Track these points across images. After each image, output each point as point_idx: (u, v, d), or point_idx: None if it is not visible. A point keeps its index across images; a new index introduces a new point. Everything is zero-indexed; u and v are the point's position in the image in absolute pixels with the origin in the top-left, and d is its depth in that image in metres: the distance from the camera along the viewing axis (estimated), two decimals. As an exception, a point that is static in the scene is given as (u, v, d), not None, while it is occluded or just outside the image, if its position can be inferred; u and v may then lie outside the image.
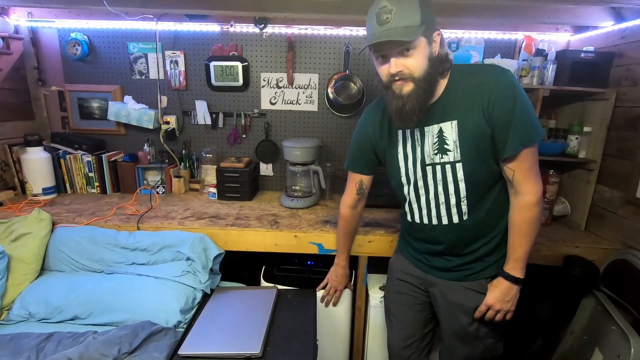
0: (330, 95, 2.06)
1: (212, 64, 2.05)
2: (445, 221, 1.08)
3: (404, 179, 1.12)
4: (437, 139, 1.02)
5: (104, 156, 2.07)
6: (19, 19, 2.01)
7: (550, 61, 1.70)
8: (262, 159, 2.20)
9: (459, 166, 1.01)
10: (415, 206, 1.12)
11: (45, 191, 1.97)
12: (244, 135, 2.19)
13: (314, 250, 1.62)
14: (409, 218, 1.16)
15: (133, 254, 1.53)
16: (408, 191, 1.12)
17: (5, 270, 1.41)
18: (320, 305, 1.60)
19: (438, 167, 1.03)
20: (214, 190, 2.04)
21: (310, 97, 2.12)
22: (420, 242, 1.19)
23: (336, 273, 1.54)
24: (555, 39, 2.00)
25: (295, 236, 1.60)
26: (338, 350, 1.73)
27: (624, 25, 1.62)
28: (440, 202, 1.07)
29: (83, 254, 1.53)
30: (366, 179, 1.28)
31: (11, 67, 1.96)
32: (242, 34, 2.04)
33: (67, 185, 2.10)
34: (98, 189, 2.11)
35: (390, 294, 1.34)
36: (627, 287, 1.42)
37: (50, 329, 1.29)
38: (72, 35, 2.04)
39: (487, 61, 1.84)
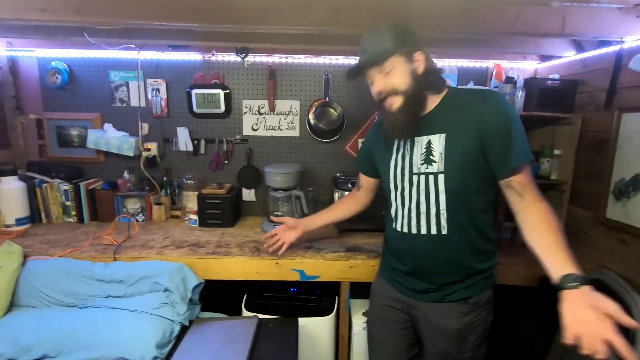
0: (312, 121, 2.10)
1: (194, 91, 2.07)
2: (424, 231, 1.09)
3: (392, 185, 1.16)
4: (425, 150, 1.06)
5: (81, 184, 2.04)
6: (-1, 49, 2.01)
7: (519, 88, 1.78)
8: (245, 184, 2.20)
9: (441, 177, 1.04)
10: (400, 213, 1.15)
11: (19, 221, 1.91)
12: (226, 161, 2.19)
13: (295, 277, 1.60)
14: (393, 225, 1.18)
15: (109, 287, 1.48)
16: (395, 197, 1.16)
17: (-30, 307, 1.34)
18: (303, 335, 1.57)
19: (422, 177, 1.07)
20: (195, 217, 2.02)
21: (292, 123, 2.15)
22: (398, 259, 1.19)
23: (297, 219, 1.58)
24: (524, 67, 2.10)
25: (277, 263, 1.59)
26: (322, 381, 1.69)
27: (584, 55, 1.73)
28: (422, 212, 1.09)
29: (56, 287, 1.47)
30: (364, 180, 1.41)
31: (-12, 96, 1.94)
32: (224, 63, 2.08)
33: (43, 214, 2.04)
34: (75, 218, 2.05)
35: (373, 319, 1.33)
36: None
37: (16, 372, 1.22)
38: (53, 64, 2.04)
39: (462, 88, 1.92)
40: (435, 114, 1.06)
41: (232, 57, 2.05)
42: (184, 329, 1.44)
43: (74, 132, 2.14)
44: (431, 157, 1.05)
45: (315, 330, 1.63)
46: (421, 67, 1.04)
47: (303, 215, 2.02)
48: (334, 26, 1.43)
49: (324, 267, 1.59)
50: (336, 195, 1.96)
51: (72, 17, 1.36)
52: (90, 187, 2.06)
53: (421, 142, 1.07)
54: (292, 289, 1.81)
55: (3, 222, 1.88)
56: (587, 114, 1.70)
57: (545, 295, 1.62)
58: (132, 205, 2.09)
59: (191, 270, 1.55)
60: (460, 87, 1.12)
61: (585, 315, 0.76)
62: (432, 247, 1.10)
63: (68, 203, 2.04)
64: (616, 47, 1.50)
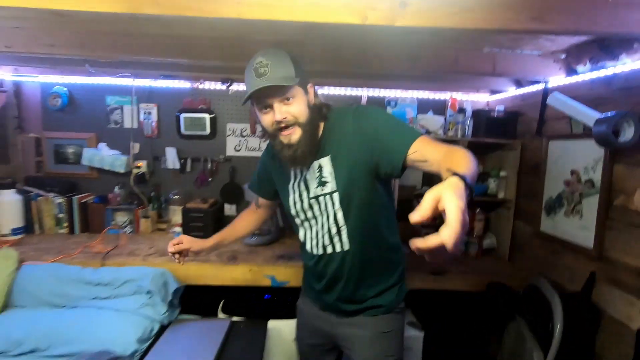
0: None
1: (183, 115, 2.30)
2: (330, 250, 1.14)
3: (293, 211, 1.19)
4: (317, 174, 1.09)
5: (74, 198, 2.20)
6: (5, 74, 2.22)
7: (468, 117, 2.04)
8: (227, 200, 2.39)
9: (335, 195, 1.08)
10: (307, 236, 1.19)
11: (15, 231, 2.06)
12: (210, 179, 2.39)
13: (267, 282, 1.77)
14: (305, 247, 1.21)
15: (96, 289, 1.63)
16: (300, 222, 1.19)
17: (-32, 306, 1.49)
18: (274, 337, 1.73)
19: (321, 199, 1.10)
20: (179, 229, 2.19)
21: (271, 144, 2.37)
22: (315, 278, 1.23)
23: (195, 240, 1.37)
24: (478, 99, 2.38)
25: (250, 270, 1.76)
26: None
27: (522, 90, 2.00)
28: (325, 232, 1.13)
29: (47, 289, 1.62)
30: (262, 200, 1.40)
31: (-7, 116, 2.14)
32: (211, 90, 2.32)
33: (36, 225, 2.20)
34: (67, 229, 2.21)
35: (302, 337, 1.37)
36: (537, 310, 1.65)
37: (9, 362, 1.36)
38: (54, 88, 2.26)
39: (420, 116, 2.18)
40: (321, 140, 1.09)
41: (218, 86, 2.29)
42: (162, 328, 1.59)
43: (70, 150, 2.33)
44: (323, 179, 1.09)
45: (286, 331, 1.78)
46: (312, 98, 1.07)
47: (279, 228, 2.21)
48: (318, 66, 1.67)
49: (293, 274, 1.77)
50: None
51: (76, 52, 1.58)
52: (82, 201, 2.23)
53: (313, 167, 1.10)
54: (266, 296, 1.98)
55: (0, 231, 2.03)
56: (525, 140, 1.96)
57: (489, 300, 1.82)
58: (121, 217, 2.26)
59: (172, 275, 1.71)
60: (336, 108, 1.13)
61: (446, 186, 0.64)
62: (341, 264, 1.14)
63: (61, 215, 2.20)
64: (542, 85, 1.77)
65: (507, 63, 1.64)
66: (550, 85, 1.75)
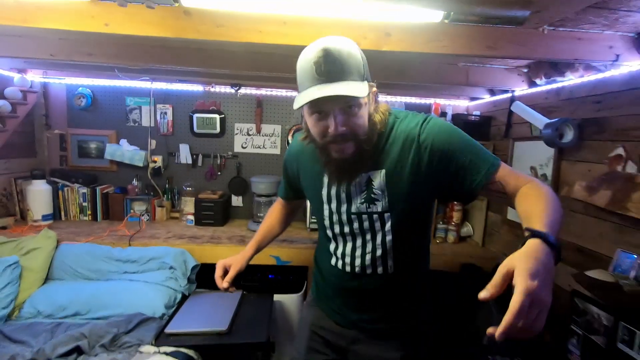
0: (290, 142, 2.60)
1: (195, 115, 2.56)
2: (369, 271, 1.00)
3: (327, 222, 1.04)
4: (365, 187, 0.94)
5: (97, 188, 2.46)
6: (35, 76, 2.46)
7: (448, 120, 2.34)
8: (234, 192, 2.66)
9: (387, 216, 0.94)
10: (340, 251, 1.04)
11: (44, 217, 2.31)
12: (219, 173, 2.65)
13: (273, 262, 2.04)
14: (332, 261, 1.06)
15: (125, 265, 1.90)
16: (333, 235, 1.04)
17: (18, 277, 1.74)
18: (278, 309, 2.00)
19: (365, 216, 0.96)
20: (191, 217, 2.45)
21: (274, 143, 2.65)
22: (339, 295, 1.08)
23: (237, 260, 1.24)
24: (459, 104, 2.68)
25: (258, 250, 2.03)
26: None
27: (495, 98, 2.31)
28: (367, 252, 0.98)
29: (83, 265, 1.88)
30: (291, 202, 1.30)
31: (25, 114, 2.37)
32: (221, 93, 2.59)
33: (62, 213, 2.44)
34: (90, 216, 2.46)
35: (302, 351, 1.15)
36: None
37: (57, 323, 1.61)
38: (79, 89, 2.50)
39: (407, 119, 2.47)
40: (373, 149, 0.92)
41: (228, 89, 2.56)
42: (184, 298, 1.85)
43: (93, 145, 2.58)
44: (373, 195, 0.94)
45: (288, 304, 2.06)
46: (374, 106, 0.90)
47: (281, 217, 2.48)
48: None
49: (295, 254, 2.05)
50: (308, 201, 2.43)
51: (112, 60, 1.84)
52: (104, 191, 2.48)
53: (360, 180, 0.94)
54: (270, 276, 2.25)
55: (32, 217, 2.28)
56: (496, 141, 2.26)
57: (462, 279, 2.11)
58: (139, 207, 2.51)
59: (190, 254, 1.98)
60: (394, 110, 0.98)
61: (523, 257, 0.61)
62: (380, 287, 1.01)
63: (85, 204, 2.45)
64: (509, 94, 2.07)
65: (478, 75, 1.94)
66: (516, 94, 2.05)
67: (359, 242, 0.99)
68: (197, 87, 2.57)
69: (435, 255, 2.11)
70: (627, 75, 1.37)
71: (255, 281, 2.13)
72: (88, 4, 1.22)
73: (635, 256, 1.27)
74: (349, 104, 0.82)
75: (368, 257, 0.99)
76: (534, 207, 0.75)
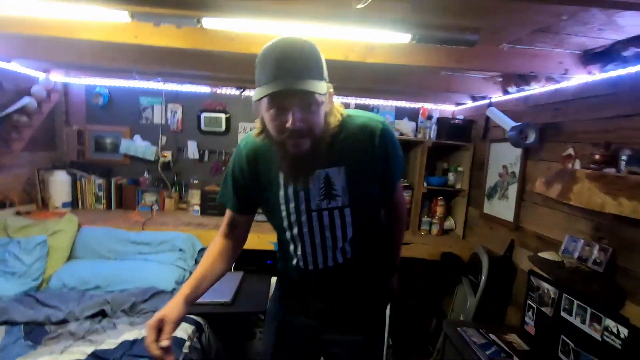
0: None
1: (203, 114, 2.79)
2: (330, 263, 1.02)
3: (285, 223, 1.01)
4: (323, 184, 0.95)
5: (112, 180, 2.68)
6: (57, 76, 2.69)
7: (433, 123, 2.57)
8: (237, 186, 2.88)
9: (347, 211, 0.97)
10: (299, 251, 1.03)
11: (64, 205, 2.53)
12: (224, 168, 2.88)
13: (271, 247, 2.27)
14: (293, 262, 1.05)
15: (140, 247, 2.12)
16: (292, 236, 1.02)
17: (46, 254, 1.96)
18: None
19: (326, 213, 0.97)
20: (198, 207, 2.68)
21: (275, 141, 2.88)
22: (305, 293, 1.10)
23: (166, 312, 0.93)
24: (445, 108, 2.91)
25: (258, 237, 2.26)
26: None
27: (476, 103, 2.54)
28: (328, 246, 1.01)
29: (102, 246, 2.10)
30: (239, 218, 1.10)
31: (48, 111, 2.60)
32: (227, 95, 2.82)
33: (80, 202, 2.67)
34: (104, 205, 2.69)
35: (271, 347, 1.15)
36: (475, 271, 2.17)
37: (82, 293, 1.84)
38: (97, 89, 2.74)
39: (397, 121, 2.70)
40: (331, 148, 0.93)
41: (233, 91, 2.80)
42: (191, 277, 2.07)
43: (108, 141, 2.81)
44: (333, 191, 0.96)
45: (284, 287, 2.28)
46: (330, 105, 0.92)
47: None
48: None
49: (292, 241, 2.27)
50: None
51: (132, 64, 2.07)
52: (118, 182, 2.71)
53: (318, 176, 0.94)
54: (268, 262, 2.47)
55: (53, 204, 2.50)
56: (476, 143, 2.49)
57: (442, 266, 2.34)
58: (149, 197, 2.74)
59: (197, 239, 2.20)
60: (348, 110, 0.99)
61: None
62: (339, 275, 1.04)
63: (100, 194, 2.68)
64: (487, 100, 2.30)
65: (459, 83, 2.17)
66: (493, 100, 2.28)
67: (317, 239, 1.00)
68: (205, 89, 2.80)
69: (419, 245, 2.36)
70: (577, 86, 1.60)
71: (255, 265, 2.35)
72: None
73: (582, 240, 1.49)
74: (308, 101, 0.82)
75: (329, 251, 1.01)
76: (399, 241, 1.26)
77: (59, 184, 2.52)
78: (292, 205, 0.98)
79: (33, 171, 2.55)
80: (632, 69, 1.35)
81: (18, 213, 2.30)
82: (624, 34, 1.27)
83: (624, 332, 1.18)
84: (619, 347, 1.19)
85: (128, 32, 1.43)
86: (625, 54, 1.34)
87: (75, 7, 1.22)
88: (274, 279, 2.21)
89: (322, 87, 0.83)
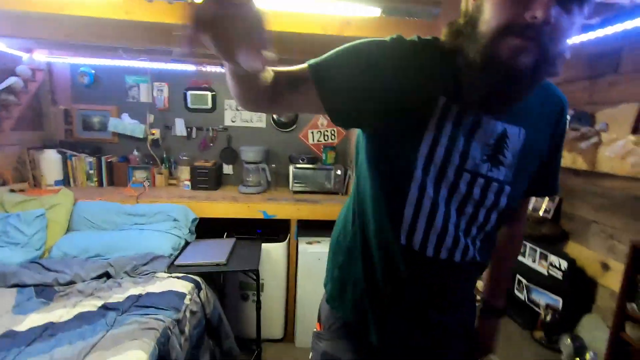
0: (274, 117, 2.94)
1: (189, 92, 2.87)
2: (458, 257, 0.71)
3: (418, 174, 0.67)
4: (494, 142, 0.67)
5: (102, 158, 2.76)
6: (40, 56, 2.70)
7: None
8: (225, 161, 3.00)
9: (507, 189, 0.70)
10: (420, 226, 0.69)
11: (57, 182, 2.61)
12: (211, 144, 2.99)
13: (260, 215, 2.42)
14: (402, 241, 0.71)
15: (135, 218, 2.24)
16: (419, 196, 0.68)
17: (45, 226, 2.07)
18: (265, 257, 2.38)
19: (480, 181, 0.68)
20: (188, 182, 2.79)
21: (260, 117, 2.99)
22: (400, 288, 0.75)
23: None
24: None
25: (248, 206, 2.41)
26: (279, 285, 2.50)
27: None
28: (461, 231, 0.70)
29: (98, 218, 2.21)
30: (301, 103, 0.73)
31: (35, 91, 2.63)
32: (212, 72, 2.90)
33: (72, 180, 2.74)
34: (96, 183, 2.77)
35: None
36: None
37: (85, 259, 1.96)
38: (82, 68, 2.77)
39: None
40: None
41: (219, 69, 2.87)
42: (187, 244, 2.22)
43: (96, 119, 2.86)
44: (501, 157, 0.68)
45: (274, 252, 2.45)
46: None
47: (267, 182, 2.85)
48: (298, 55, 2.29)
49: (280, 209, 2.43)
50: (291, 168, 2.80)
51: (120, 41, 2.13)
52: (109, 160, 2.78)
53: (492, 128, 0.66)
54: (258, 231, 2.63)
55: (45, 182, 2.57)
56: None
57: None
58: (140, 174, 2.83)
59: (191, 210, 2.33)
60: None
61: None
62: (460, 277, 0.77)
63: (91, 172, 2.76)
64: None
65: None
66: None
67: (453, 217, 0.69)
68: (190, 67, 2.86)
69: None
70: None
71: (246, 234, 2.51)
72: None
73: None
74: (570, 7, 0.54)
75: (462, 239, 0.70)
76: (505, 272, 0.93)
77: (50, 162, 2.59)
78: (440, 149, 0.65)
79: (23, 150, 2.60)
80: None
81: (12, 191, 2.37)
82: None
83: (564, 264, 1.39)
84: (560, 278, 1.40)
85: (119, 8, 1.51)
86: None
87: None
88: (263, 245, 2.37)
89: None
